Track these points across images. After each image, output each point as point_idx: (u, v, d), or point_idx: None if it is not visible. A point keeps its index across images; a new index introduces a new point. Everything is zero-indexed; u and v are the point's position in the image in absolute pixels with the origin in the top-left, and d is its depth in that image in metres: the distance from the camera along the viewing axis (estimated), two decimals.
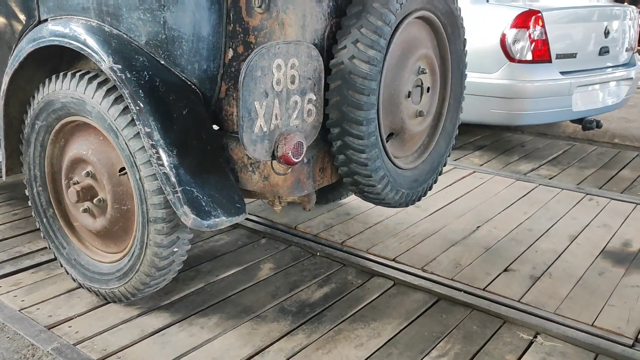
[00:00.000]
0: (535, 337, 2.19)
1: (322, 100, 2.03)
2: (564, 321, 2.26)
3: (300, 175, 2.08)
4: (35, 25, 2.28)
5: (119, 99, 1.97)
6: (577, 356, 2.08)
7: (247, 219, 3.14)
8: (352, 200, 3.45)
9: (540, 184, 3.86)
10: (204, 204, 1.88)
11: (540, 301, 2.40)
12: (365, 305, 2.37)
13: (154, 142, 1.86)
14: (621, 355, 2.06)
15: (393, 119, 2.26)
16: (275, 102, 1.85)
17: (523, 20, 4.18)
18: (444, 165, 2.70)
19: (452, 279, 2.56)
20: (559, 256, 2.82)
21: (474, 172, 4.10)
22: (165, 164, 1.86)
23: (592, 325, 2.24)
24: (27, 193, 2.46)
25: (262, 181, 2.02)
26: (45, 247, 2.75)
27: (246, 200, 2.07)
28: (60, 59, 2.35)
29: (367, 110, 2.02)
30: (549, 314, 2.31)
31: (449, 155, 2.70)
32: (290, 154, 1.87)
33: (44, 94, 2.18)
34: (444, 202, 3.49)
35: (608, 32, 4.63)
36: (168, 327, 2.19)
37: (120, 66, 1.91)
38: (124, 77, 1.89)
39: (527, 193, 3.69)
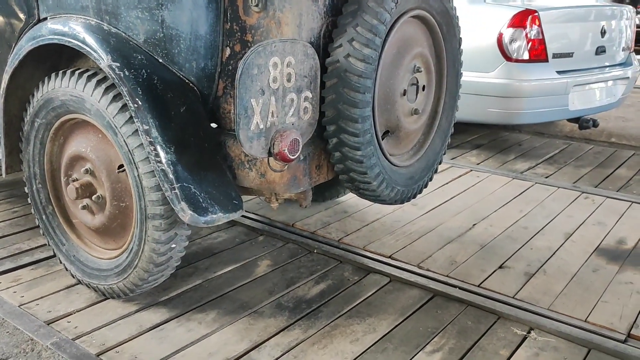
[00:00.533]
0: (529, 332, 2.21)
1: (318, 98, 2.05)
2: (557, 317, 2.28)
3: (296, 172, 2.11)
4: (35, 24, 2.30)
5: (117, 97, 1.99)
6: (570, 351, 2.10)
7: (245, 216, 3.17)
8: (350, 198, 3.47)
9: (536, 183, 3.88)
10: (201, 200, 1.91)
11: (534, 297, 2.43)
12: (361, 302, 2.40)
13: (152, 140, 1.89)
14: (613, 350, 2.09)
15: (388, 116, 2.29)
16: (272, 99, 1.88)
17: (520, 19, 4.20)
18: (440, 163, 2.72)
19: (447, 276, 2.59)
20: (554, 253, 2.85)
21: (471, 170, 4.12)
22: (163, 161, 1.88)
23: (585, 321, 2.27)
24: (26, 190, 2.48)
25: (258, 178, 2.04)
26: (45, 244, 2.77)
27: (244, 198, 2.09)
28: (59, 57, 2.38)
29: (362, 108, 2.05)
30: (542, 309, 2.33)
31: (444, 154, 2.72)
32: (286, 151, 1.90)
33: (43, 92, 2.21)
34: (441, 200, 3.52)
35: (605, 32, 4.65)
36: (166, 323, 2.21)
37: (118, 64, 1.94)
38: (122, 75, 1.92)
39: (524, 191, 3.71)
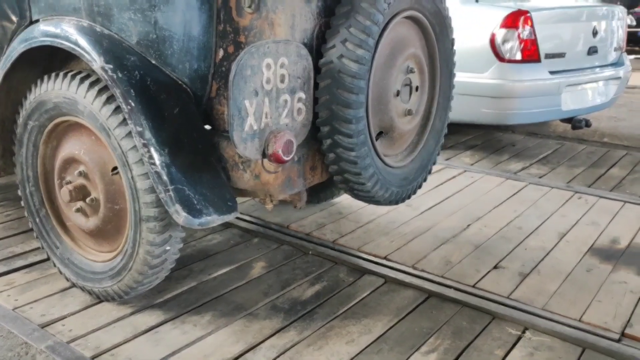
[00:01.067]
0: (523, 332, 2.22)
1: (312, 99, 2.05)
2: (551, 316, 2.29)
3: (291, 174, 2.11)
4: (27, 26, 2.29)
5: (110, 99, 1.98)
6: (564, 350, 2.11)
7: (239, 218, 3.17)
8: (344, 200, 3.47)
9: (530, 183, 3.89)
10: (195, 202, 1.90)
11: (528, 297, 2.43)
12: (356, 303, 2.40)
13: (145, 141, 1.88)
14: (607, 350, 2.09)
15: (382, 117, 2.29)
16: (265, 100, 1.88)
17: (512, 20, 4.22)
18: (434, 164, 2.73)
19: (442, 276, 2.59)
20: (548, 253, 2.86)
21: (465, 171, 4.13)
22: (157, 162, 1.88)
23: (579, 320, 2.27)
24: (19, 193, 2.47)
25: (253, 179, 2.04)
26: (38, 247, 2.76)
27: (238, 200, 2.09)
28: (52, 59, 2.37)
29: (356, 109, 2.05)
30: (537, 309, 2.34)
31: (438, 154, 2.73)
32: (280, 152, 1.90)
33: (36, 94, 2.20)
34: (435, 201, 3.52)
35: (596, 32, 4.67)
36: (161, 325, 2.20)
37: (111, 66, 1.93)
38: (115, 76, 1.91)
39: (517, 192, 3.72)
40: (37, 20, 2.26)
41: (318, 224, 3.15)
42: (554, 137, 5.38)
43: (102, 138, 2.05)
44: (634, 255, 2.85)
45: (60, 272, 2.43)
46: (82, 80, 2.04)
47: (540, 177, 4.12)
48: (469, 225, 3.18)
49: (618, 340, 2.15)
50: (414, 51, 2.38)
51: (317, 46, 2.08)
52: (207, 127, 2.07)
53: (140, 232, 2.05)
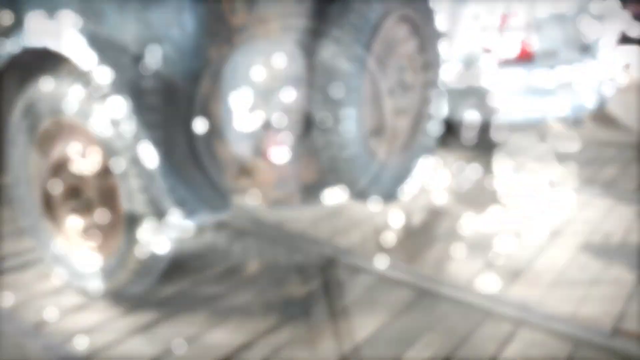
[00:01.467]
0: (517, 328, 2.23)
1: (306, 97, 2.05)
2: (545, 313, 2.30)
3: (284, 172, 2.11)
4: (20, 26, 2.29)
5: (104, 98, 1.98)
6: (556, 346, 2.12)
7: (234, 217, 3.17)
8: (339, 199, 3.47)
9: (524, 181, 3.91)
10: (189, 201, 1.91)
11: (522, 294, 2.45)
12: (350, 301, 2.40)
13: (139, 140, 1.88)
14: (599, 345, 2.11)
15: (375, 116, 2.29)
16: (259, 99, 1.88)
17: (505, 19, 4.23)
18: (428, 162, 2.73)
19: (436, 274, 2.60)
20: (542, 250, 2.87)
21: (459, 169, 4.14)
22: (151, 161, 1.88)
23: (572, 316, 2.29)
24: (12, 193, 2.47)
25: (246, 178, 2.04)
26: (32, 247, 2.75)
27: (234, 199, 2.10)
28: (45, 59, 2.36)
29: (349, 108, 2.05)
30: (530, 306, 2.35)
31: (432, 152, 2.73)
32: (274, 151, 1.90)
33: (29, 94, 2.20)
34: (429, 199, 3.53)
35: (589, 31, 4.68)
36: (155, 324, 2.20)
37: (104, 65, 1.93)
38: (108, 76, 1.91)
39: (512, 190, 3.74)
40: (30, 20, 2.26)
41: (313, 222, 3.15)
42: (547, 136, 5.40)
43: (95, 137, 2.05)
44: (626, 252, 2.87)
45: (54, 272, 2.42)
46: (75, 80, 2.04)
47: (534, 176, 4.13)
48: (463, 223, 3.19)
49: (610, 336, 2.17)
50: (407, 50, 2.39)
51: (311, 45, 2.08)
52: (201, 125, 2.08)
53: (134, 231, 2.05)
